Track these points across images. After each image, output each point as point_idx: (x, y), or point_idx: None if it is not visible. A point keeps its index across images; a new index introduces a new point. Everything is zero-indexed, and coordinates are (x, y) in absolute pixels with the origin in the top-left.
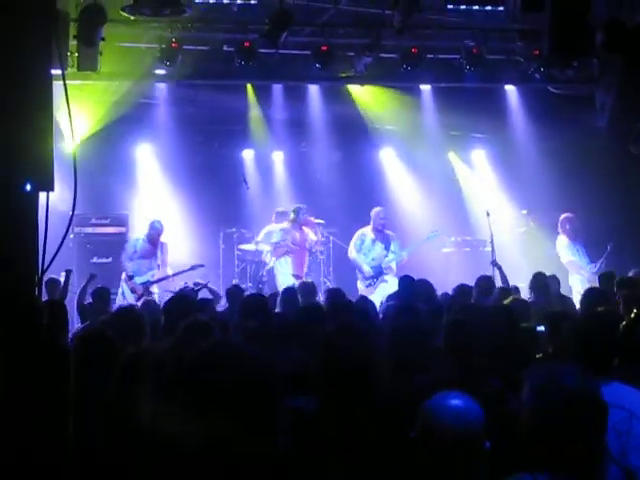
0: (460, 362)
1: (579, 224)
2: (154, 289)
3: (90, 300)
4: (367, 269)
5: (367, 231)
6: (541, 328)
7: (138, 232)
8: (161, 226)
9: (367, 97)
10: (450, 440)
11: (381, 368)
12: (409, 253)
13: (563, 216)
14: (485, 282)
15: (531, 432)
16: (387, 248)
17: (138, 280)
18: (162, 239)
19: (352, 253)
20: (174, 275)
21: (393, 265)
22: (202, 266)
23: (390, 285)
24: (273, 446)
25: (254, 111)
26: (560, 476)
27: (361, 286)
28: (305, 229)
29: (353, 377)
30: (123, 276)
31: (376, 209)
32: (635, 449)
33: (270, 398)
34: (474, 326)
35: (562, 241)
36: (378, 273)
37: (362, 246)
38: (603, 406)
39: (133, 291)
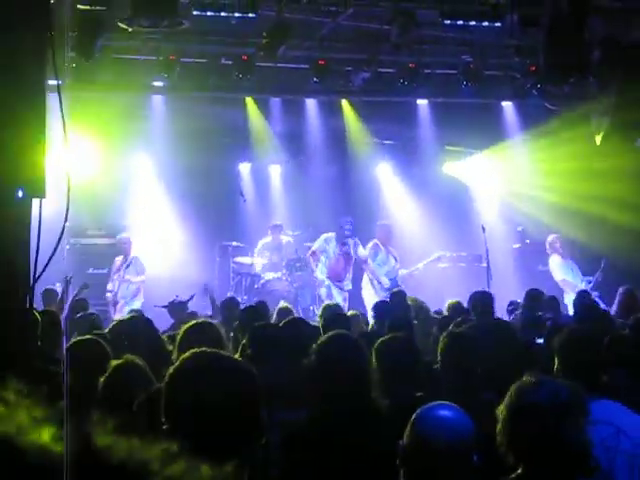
0: (455, 376)
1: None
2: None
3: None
4: (385, 280)
5: (378, 243)
6: (540, 341)
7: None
8: (125, 237)
9: (364, 112)
10: (439, 451)
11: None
12: (410, 272)
13: (551, 237)
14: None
15: (502, 443)
16: (396, 259)
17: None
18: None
19: (370, 267)
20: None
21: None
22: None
23: None
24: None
25: (251, 124)
26: None
27: (375, 297)
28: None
29: (346, 387)
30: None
31: (382, 222)
32: (621, 468)
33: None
34: (472, 341)
35: (555, 260)
36: (394, 285)
37: (377, 257)
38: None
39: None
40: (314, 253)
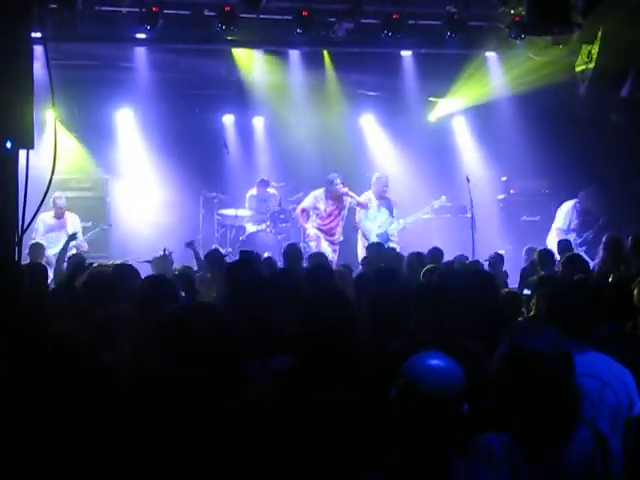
0: (436, 325)
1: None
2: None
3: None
4: (373, 237)
5: (371, 197)
6: (527, 292)
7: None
8: (64, 202)
9: (348, 63)
10: (431, 399)
11: (360, 330)
12: (414, 221)
13: (588, 190)
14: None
15: (494, 390)
16: (391, 214)
17: (51, 252)
18: (67, 213)
19: (361, 222)
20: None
21: (395, 232)
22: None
23: None
24: (237, 409)
25: (235, 76)
26: (522, 436)
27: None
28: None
29: (333, 337)
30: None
31: (377, 175)
32: (606, 418)
33: (235, 359)
34: (448, 289)
35: (567, 206)
36: (384, 240)
37: (368, 213)
38: (552, 366)
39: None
40: (303, 210)
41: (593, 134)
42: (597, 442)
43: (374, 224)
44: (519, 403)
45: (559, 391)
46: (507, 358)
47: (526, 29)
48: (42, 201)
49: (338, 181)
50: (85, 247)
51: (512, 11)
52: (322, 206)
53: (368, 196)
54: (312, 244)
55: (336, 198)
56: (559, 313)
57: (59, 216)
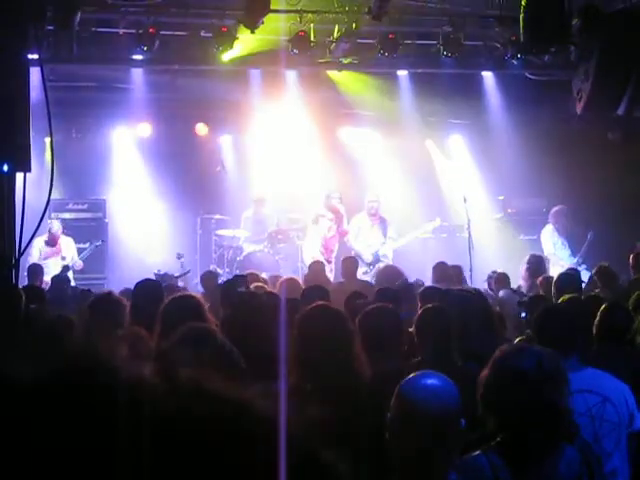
0: (434, 345)
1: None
2: None
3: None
4: (367, 256)
5: (363, 217)
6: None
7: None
8: (58, 227)
9: (345, 83)
10: (427, 418)
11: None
12: (408, 242)
13: (558, 208)
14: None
15: (485, 409)
16: (384, 234)
17: (47, 278)
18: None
19: (350, 242)
20: None
21: (390, 253)
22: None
23: None
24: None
25: (232, 97)
26: (508, 454)
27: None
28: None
29: (328, 358)
30: None
31: (370, 194)
32: (607, 435)
33: None
34: (448, 311)
35: (547, 231)
36: (375, 260)
37: (359, 233)
38: (536, 384)
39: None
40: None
41: (591, 152)
42: (584, 464)
43: (363, 244)
44: (504, 420)
45: (542, 409)
46: (492, 376)
47: (522, 48)
48: (39, 223)
49: (335, 195)
50: (80, 265)
51: (508, 30)
52: (325, 226)
53: (360, 217)
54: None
55: (334, 212)
56: (545, 331)
57: (52, 243)
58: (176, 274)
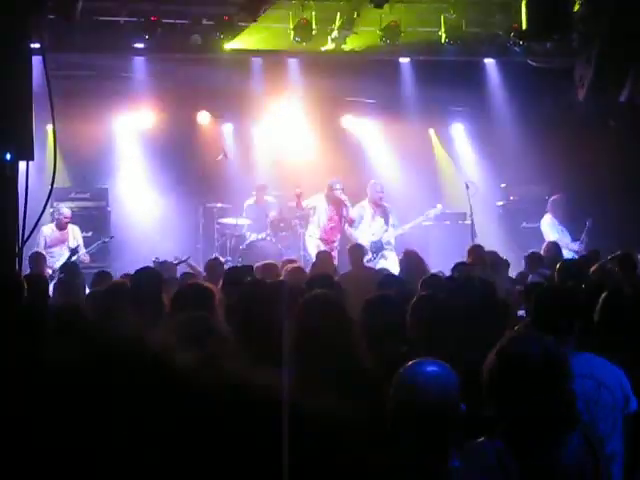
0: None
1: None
2: None
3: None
4: (367, 245)
5: (365, 205)
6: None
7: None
8: (68, 212)
9: (347, 71)
10: (427, 405)
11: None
12: (410, 228)
13: (555, 197)
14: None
15: (486, 394)
16: (387, 222)
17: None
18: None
19: (350, 230)
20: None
21: (392, 240)
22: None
23: (389, 261)
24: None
25: (234, 85)
26: (512, 441)
27: None
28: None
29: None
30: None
31: (372, 182)
32: (603, 418)
33: None
34: (445, 299)
35: (547, 220)
36: (378, 248)
37: (361, 221)
38: (540, 370)
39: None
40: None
41: (592, 139)
42: (588, 449)
43: (365, 233)
44: (508, 407)
45: (547, 395)
46: (495, 363)
47: (525, 35)
48: (42, 212)
49: (338, 186)
50: (87, 259)
51: (510, 18)
52: (324, 210)
53: (362, 205)
54: (311, 250)
55: (335, 203)
56: (540, 316)
57: (62, 227)
58: (175, 261)
